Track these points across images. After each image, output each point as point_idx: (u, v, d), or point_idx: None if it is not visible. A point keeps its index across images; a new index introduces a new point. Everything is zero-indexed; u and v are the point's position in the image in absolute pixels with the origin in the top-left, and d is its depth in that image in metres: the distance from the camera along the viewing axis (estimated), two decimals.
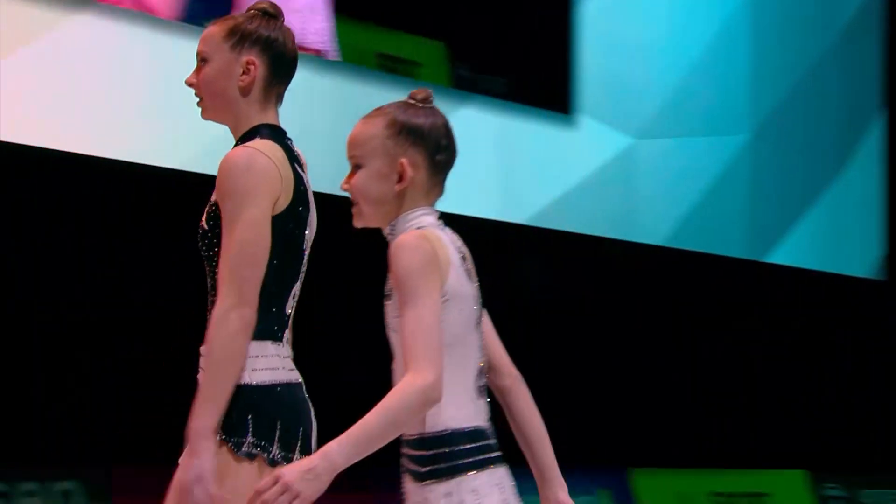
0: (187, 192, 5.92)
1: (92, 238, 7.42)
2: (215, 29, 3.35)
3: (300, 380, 3.28)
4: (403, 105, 2.99)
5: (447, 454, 2.85)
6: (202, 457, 3.10)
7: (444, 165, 2.99)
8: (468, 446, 2.86)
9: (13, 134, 6.35)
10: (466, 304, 2.91)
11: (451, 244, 2.94)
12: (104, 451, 7.30)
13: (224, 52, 3.32)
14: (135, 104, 6.77)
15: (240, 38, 3.33)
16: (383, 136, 2.94)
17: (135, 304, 7.48)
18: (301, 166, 3.34)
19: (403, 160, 2.94)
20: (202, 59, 3.35)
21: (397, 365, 2.89)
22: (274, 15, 3.38)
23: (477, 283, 2.96)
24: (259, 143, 3.26)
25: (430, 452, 2.85)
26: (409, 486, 2.90)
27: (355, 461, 2.79)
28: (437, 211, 3.00)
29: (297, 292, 3.32)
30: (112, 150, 6.75)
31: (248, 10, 3.41)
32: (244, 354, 3.16)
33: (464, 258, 2.95)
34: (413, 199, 2.97)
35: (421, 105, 2.98)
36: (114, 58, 6.71)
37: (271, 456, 3.17)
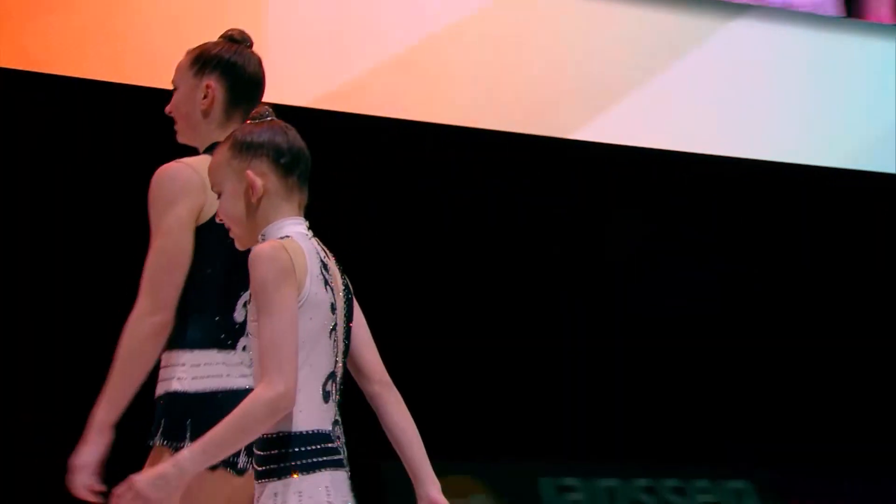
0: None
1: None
2: (184, 58, 3.54)
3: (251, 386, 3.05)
4: (242, 126, 3.12)
5: (277, 455, 2.92)
6: (88, 447, 3.29)
7: (291, 167, 3.05)
8: (299, 449, 2.92)
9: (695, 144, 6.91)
10: (319, 312, 2.97)
11: (311, 253, 2.99)
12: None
13: (188, 78, 3.49)
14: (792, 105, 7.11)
15: (202, 64, 3.49)
16: (228, 158, 3.04)
17: None
18: None
19: (248, 171, 3.03)
20: (174, 87, 3.53)
21: (255, 370, 2.97)
22: (239, 41, 3.55)
23: (340, 292, 3.03)
24: (192, 158, 3.38)
25: (265, 453, 2.93)
26: (255, 483, 2.99)
27: (205, 467, 2.90)
28: (304, 220, 3.06)
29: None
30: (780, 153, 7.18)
31: (219, 37, 3.58)
32: (152, 359, 3.27)
33: (324, 267, 2.99)
34: (274, 206, 3.04)
35: (258, 120, 3.09)
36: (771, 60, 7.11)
37: (237, 466, 3.26)
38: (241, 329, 3.34)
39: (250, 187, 3.02)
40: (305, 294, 2.93)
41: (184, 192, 3.30)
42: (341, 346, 3.03)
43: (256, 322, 2.93)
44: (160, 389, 3.33)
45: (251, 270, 2.91)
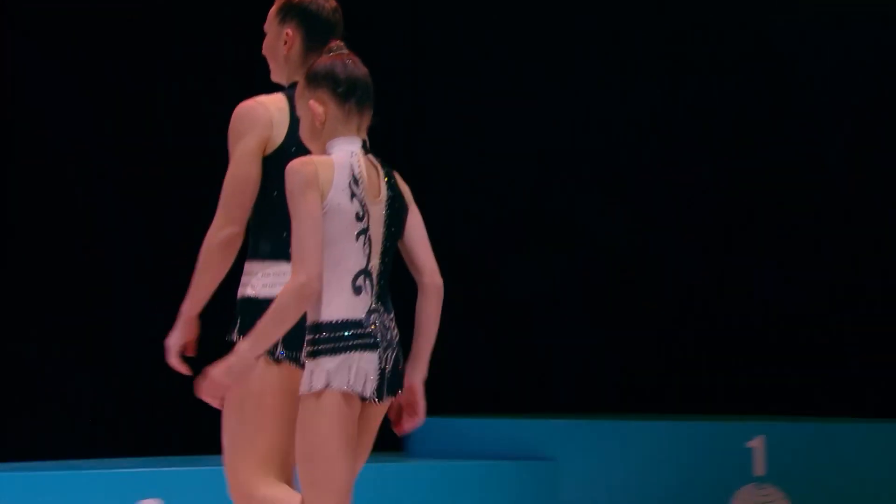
0: None
1: None
2: (272, 7, 4.06)
3: None
4: (314, 61, 3.72)
5: (312, 340, 3.54)
6: (175, 333, 3.91)
7: (347, 95, 3.63)
8: (329, 335, 3.52)
9: None
10: (342, 219, 3.55)
11: (343, 168, 3.59)
12: None
13: (274, 26, 4.01)
14: None
15: (283, 13, 4.00)
16: (301, 90, 3.68)
17: None
18: None
19: (311, 101, 3.64)
20: (264, 33, 4.05)
21: None
22: None
23: (383, 202, 3.61)
24: (266, 96, 3.90)
25: (308, 337, 3.55)
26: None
27: (261, 352, 3.59)
28: (358, 140, 3.64)
29: None
30: None
31: None
32: (223, 264, 3.83)
33: (355, 181, 3.58)
34: (333, 130, 3.64)
35: (328, 53, 3.70)
36: None
37: (275, 355, 3.76)
38: None
39: (314, 114, 3.61)
40: (328, 203, 3.52)
41: (252, 126, 3.81)
42: (378, 246, 3.58)
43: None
44: (239, 293, 3.86)
45: (285, 182, 3.55)
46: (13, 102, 7.20)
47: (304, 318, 3.55)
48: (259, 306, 3.69)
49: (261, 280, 3.81)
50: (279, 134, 3.82)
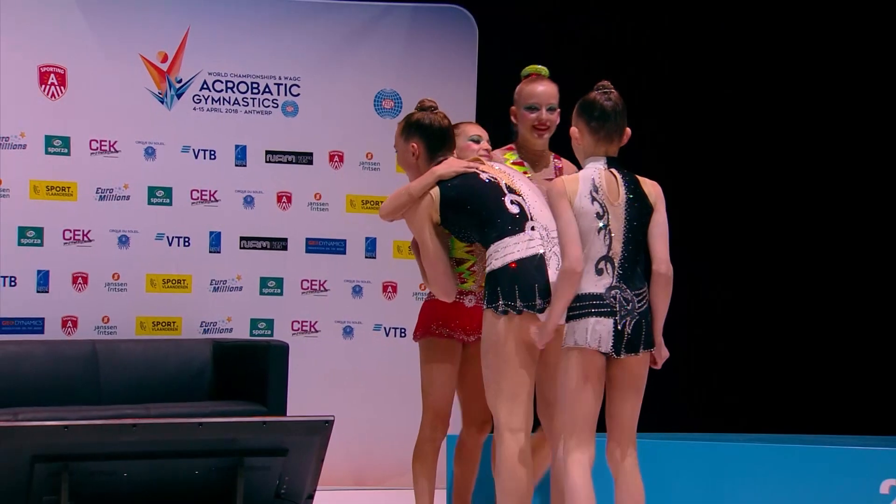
0: None
1: None
2: (397, 128, 5.43)
3: (536, 252, 5.02)
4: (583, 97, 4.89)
5: (570, 308, 4.70)
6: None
7: (597, 129, 4.79)
8: (576, 304, 4.68)
9: None
10: (587, 217, 4.73)
11: (586, 181, 4.76)
12: None
13: (401, 143, 5.37)
14: None
15: (407, 132, 5.37)
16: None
17: None
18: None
19: (573, 129, 4.86)
20: (395, 150, 5.44)
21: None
22: (428, 108, 5.36)
23: (622, 203, 4.71)
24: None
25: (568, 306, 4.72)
26: None
27: (558, 317, 4.73)
28: (603, 158, 4.79)
29: (513, 201, 5.13)
30: None
31: (415, 107, 5.42)
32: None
33: (595, 189, 4.72)
34: (585, 152, 4.85)
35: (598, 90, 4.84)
36: None
37: (517, 307, 4.92)
38: (518, 217, 5.10)
39: (572, 138, 4.87)
40: (575, 206, 4.70)
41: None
42: (620, 238, 4.72)
43: None
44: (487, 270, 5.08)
45: (547, 194, 4.88)
46: None
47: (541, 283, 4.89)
48: (496, 276, 5.00)
49: (493, 256, 5.03)
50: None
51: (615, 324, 4.62)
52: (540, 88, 5.45)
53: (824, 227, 9.23)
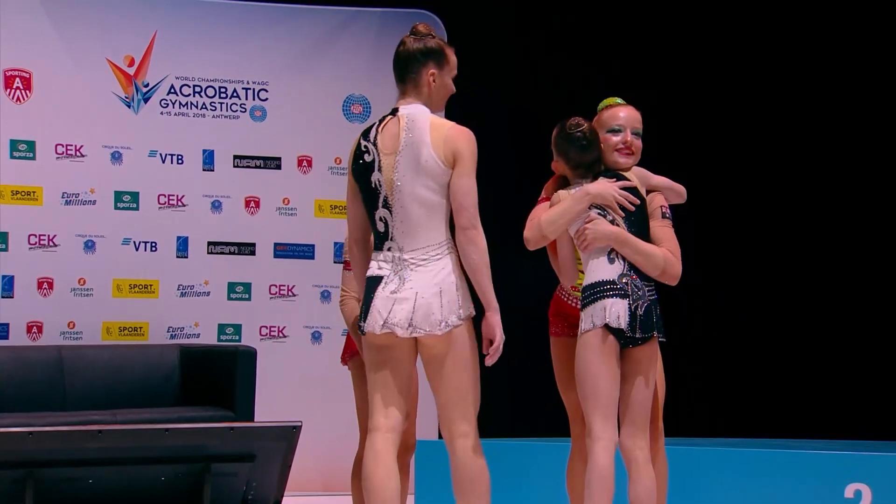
0: None
1: None
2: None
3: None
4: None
5: (583, 297, 4.91)
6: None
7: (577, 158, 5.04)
8: (593, 290, 4.87)
9: None
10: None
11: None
12: None
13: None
14: None
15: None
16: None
17: None
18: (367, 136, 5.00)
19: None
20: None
21: None
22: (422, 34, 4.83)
23: (621, 220, 4.95)
24: None
25: (581, 296, 4.94)
26: None
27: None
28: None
29: (378, 219, 4.79)
30: None
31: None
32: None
33: (605, 211, 4.96)
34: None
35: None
36: None
37: None
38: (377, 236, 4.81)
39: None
40: (589, 215, 4.92)
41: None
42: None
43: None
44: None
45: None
46: None
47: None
48: None
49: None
50: None
51: (629, 306, 4.83)
52: (622, 113, 5.18)
53: (793, 236, 9.27)
